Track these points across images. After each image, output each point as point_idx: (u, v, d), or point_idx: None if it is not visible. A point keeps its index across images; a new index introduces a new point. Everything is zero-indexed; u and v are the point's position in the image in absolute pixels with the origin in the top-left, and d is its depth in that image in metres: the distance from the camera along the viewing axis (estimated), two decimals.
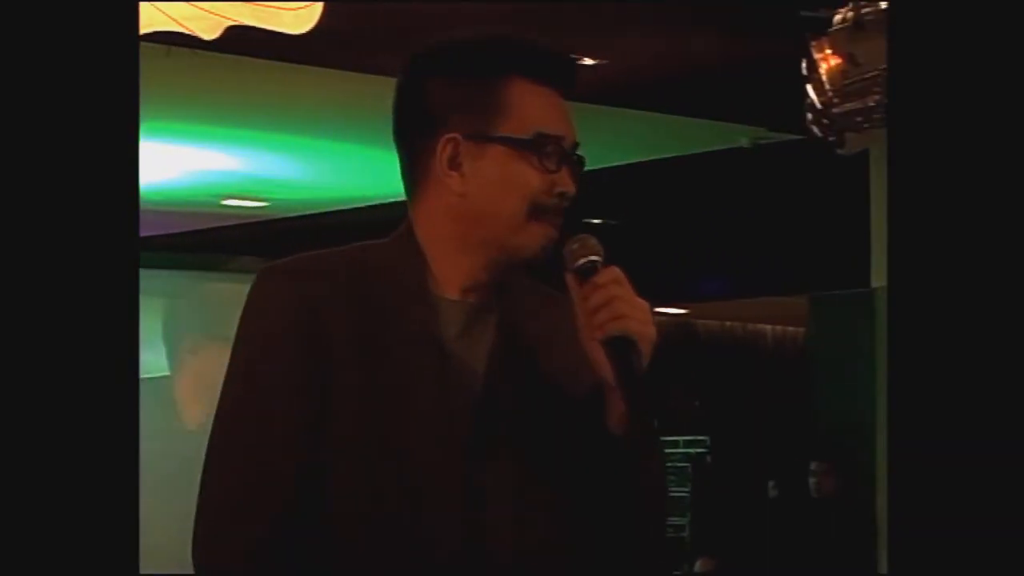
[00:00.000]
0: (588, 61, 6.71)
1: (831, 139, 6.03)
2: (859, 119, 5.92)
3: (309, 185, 10.33)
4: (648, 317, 1.96)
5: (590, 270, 1.96)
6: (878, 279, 7.32)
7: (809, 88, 5.86)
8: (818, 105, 5.97)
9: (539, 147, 2.00)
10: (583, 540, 2.04)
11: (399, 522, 1.95)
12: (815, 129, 6.01)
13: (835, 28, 5.79)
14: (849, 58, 5.81)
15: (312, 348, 1.96)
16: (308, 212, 10.98)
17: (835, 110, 5.88)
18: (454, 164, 2.01)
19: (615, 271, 1.97)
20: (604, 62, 6.72)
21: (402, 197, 2.10)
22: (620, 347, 1.92)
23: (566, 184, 2.02)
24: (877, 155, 7.11)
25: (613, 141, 8.22)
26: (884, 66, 5.66)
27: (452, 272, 2.04)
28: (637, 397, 1.92)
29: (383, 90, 2.16)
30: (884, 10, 5.62)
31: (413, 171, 2.07)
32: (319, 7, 4.55)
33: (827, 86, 5.90)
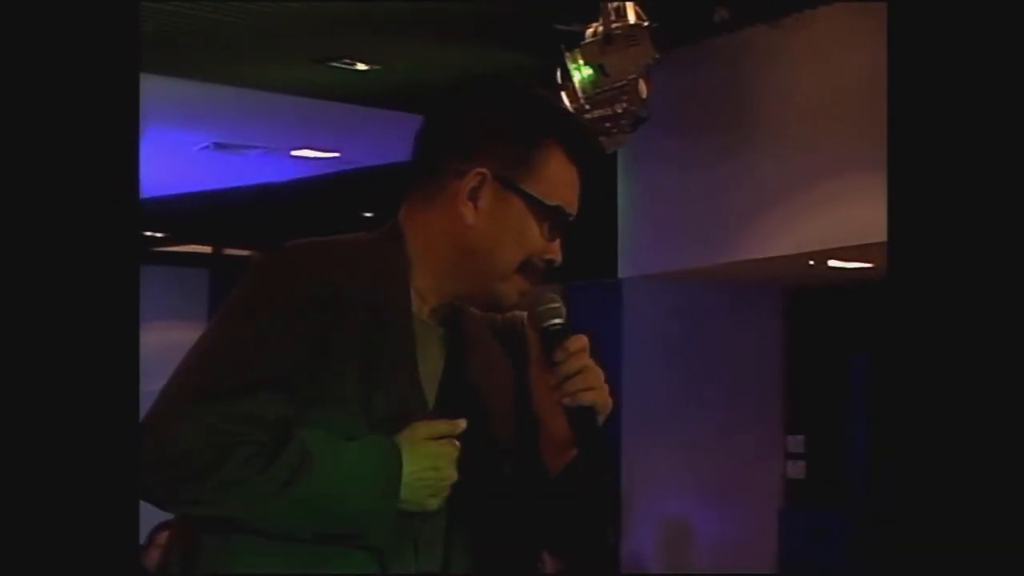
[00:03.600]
0: (361, 67, 6.67)
1: None
2: (608, 124, 5.99)
3: None
4: (607, 388, 2.00)
5: (559, 334, 1.99)
6: (624, 270, 7.40)
7: (563, 95, 5.89)
8: (571, 111, 6.00)
9: (553, 217, 2.03)
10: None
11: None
12: None
13: (587, 41, 5.83)
14: (599, 69, 5.85)
15: (316, 326, 1.91)
16: None
17: (586, 116, 5.93)
18: (473, 196, 2.00)
19: (584, 340, 2.00)
20: (376, 67, 6.69)
21: None
22: (585, 417, 1.97)
23: (556, 253, 2.05)
24: (624, 157, 7.19)
25: (383, 141, 8.16)
26: (631, 76, 5.72)
27: (428, 290, 2.02)
28: (593, 459, 1.99)
29: None
30: (632, 25, 5.68)
31: (427, 183, 2.04)
32: None
33: (579, 94, 5.95)
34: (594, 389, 1.98)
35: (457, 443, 1.96)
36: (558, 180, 2.04)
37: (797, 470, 8.08)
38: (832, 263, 6.73)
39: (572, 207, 2.06)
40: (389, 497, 1.90)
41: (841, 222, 6.20)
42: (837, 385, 7.66)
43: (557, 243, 2.05)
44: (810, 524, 7.63)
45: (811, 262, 6.86)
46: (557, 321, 2.00)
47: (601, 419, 1.99)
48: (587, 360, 1.99)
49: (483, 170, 1.99)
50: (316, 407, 1.91)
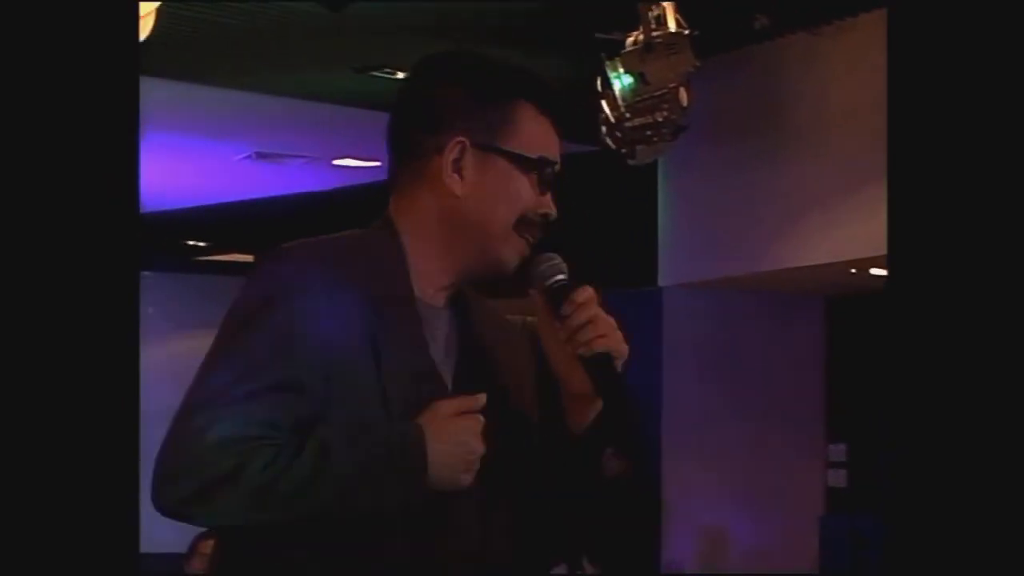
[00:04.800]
0: (402, 76, 6.63)
1: (623, 151, 6.03)
2: (648, 133, 5.95)
3: None
4: (621, 335, 1.98)
5: (565, 289, 1.98)
6: (664, 279, 7.37)
7: (603, 104, 5.86)
8: (612, 119, 5.98)
9: (539, 168, 2.02)
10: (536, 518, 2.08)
11: None
12: (609, 141, 6.02)
13: (627, 50, 5.80)
14: (640, 77, 5.82)
15: (317, 326, 1.90)
16: None
17: (627, 124, 5.90)
18: (457, 167, 2.00)
19: (590, 290, 1.98)
20: None
21: None
22: (602, 363, 1.95)
23: (550, 206, 2.04)
24: (664, 165, 7.15)
25: None
26: (672, 84, 5.68)
27: (430, 272, 2.02)
28: (618, 407, 1.99)
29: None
30: (672, 34, 5.64)
31: (409, 167, 2.04)
32: (152, 17, 4.40)
33: (620, 102, 5.92)
34: (607, 336, 1.96)
35: (481, 417, 1.94)
36: (535, 134, 2.04)
37: (838, 478, 8.02)
38: (874, 271, 6.67)
39: (555, 157, 2.06)
40: (416, 479, 1.88)
41: (882, 230, 6.14)
42: (879, 393, 7.60)
43: (549, 197, 2.05)
44: (851, 532, 7.58)
45: (853, 270, 6.80)
46: (560, 277, 1.99)
47: (619, 364, 1.98)
48: (596, 309, 1.97)
49: (461, 139, 2.00)
50: (334, 405, 1.90)
